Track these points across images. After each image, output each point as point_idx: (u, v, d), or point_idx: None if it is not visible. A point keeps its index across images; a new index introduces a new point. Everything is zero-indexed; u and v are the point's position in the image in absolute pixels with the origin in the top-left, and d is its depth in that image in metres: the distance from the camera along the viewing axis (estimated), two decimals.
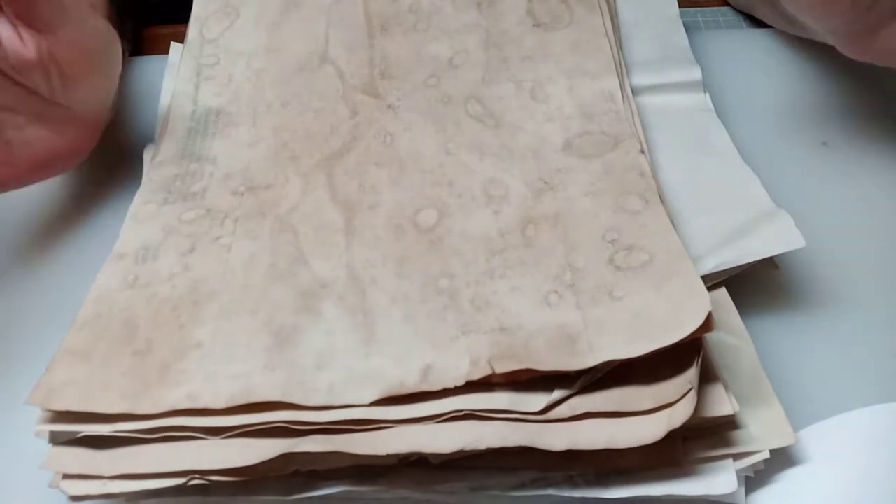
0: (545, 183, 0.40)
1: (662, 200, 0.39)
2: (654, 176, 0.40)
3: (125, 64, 0.56)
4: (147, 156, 0.47)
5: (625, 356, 0.32)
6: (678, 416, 0.32)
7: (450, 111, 0.45)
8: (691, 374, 0.33)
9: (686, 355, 0.33)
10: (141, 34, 0.61)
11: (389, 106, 0.46)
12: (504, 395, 0.33)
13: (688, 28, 0.58)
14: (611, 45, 0.47)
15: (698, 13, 0.62)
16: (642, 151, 0.41)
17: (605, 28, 0.48)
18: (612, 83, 0.45)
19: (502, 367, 0.33)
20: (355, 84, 0.47)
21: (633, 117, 0.44)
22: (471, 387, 0.33)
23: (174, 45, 0.54)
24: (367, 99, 0.46)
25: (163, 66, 0.53)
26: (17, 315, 0.44)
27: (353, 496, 0.35)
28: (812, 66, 0.56)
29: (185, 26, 0.53)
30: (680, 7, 0.56)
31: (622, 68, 0.48)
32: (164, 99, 0.51)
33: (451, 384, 0.33)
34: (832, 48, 0.47)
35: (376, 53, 0.49)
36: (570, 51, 0.47)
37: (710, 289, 0.41)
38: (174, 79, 0.51)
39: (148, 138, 0.49)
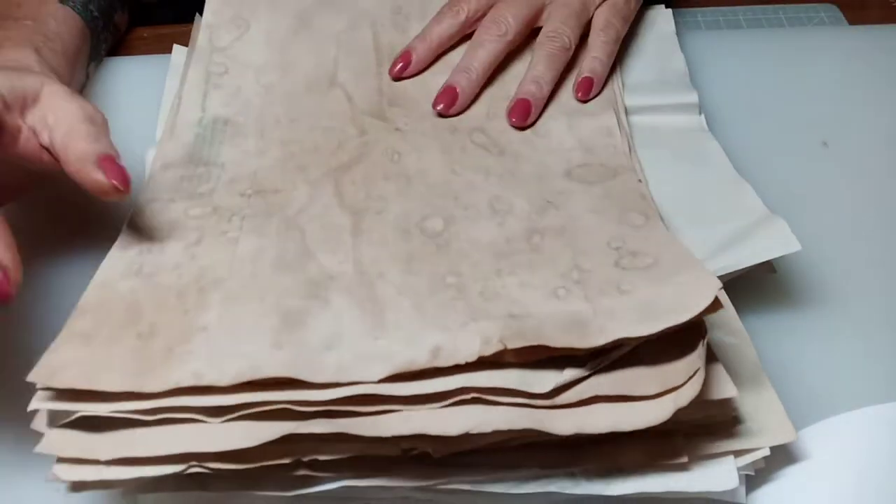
0: (548, 202, 0.41)
1: (662, 220, 0.39)
2: (653, 200, 0.41)
3: (102, 64, 0.57)
4: (150, 156, 0.47)
5: (635, 335, 0.32)
6: (684, 396, 0.32)
7: (456, 139, 0.46)
8: (698, 355, 0.33)
9: (691, 340, 0.33)
10: (130, 33, 0.61)
11: (397, 129, 0.46)
12: (513, 373, 0.33)
13: (688, 28, 0.58)
14: (609, 87, 0.49)
15: (698, 13, 0.62)
16: (640, 181, 0.42)
17: None
18: (610, 120, 0.46)
19: (514, 344, 0.33)
20: (364, 108, 0.48)
21: (629, 151, 0.45)
22: (481, 365, 0.33)
23: (177, 47, 0.54)
24: (376, 122, 0.47)
25: (163, 67, 0.53)
26: (17, 314, 0.44)
27: (353, 494, 0.35)
28: (812, 66, 0.56)
29: (186, 26, 0.54)
30: (680, 7, 0.56)
31: (621, 99, 0.48)
32: (167, 99, 0.51)
33: (462, 361, 0.32)
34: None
35: (384, 82, 0.49)
36: (570, 92, 0.48)
37: None
38: (177, 80, 0.51)
39: (148, 137, 0.49)
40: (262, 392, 0.32)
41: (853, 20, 0.61)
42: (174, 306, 0.36)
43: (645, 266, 0.36)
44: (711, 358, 0.35)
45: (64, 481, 0.33)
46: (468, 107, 0.48)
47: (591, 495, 0.35)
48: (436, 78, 0.49)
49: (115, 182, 0.36)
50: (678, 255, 0.36)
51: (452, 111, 0.47)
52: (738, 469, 0.35)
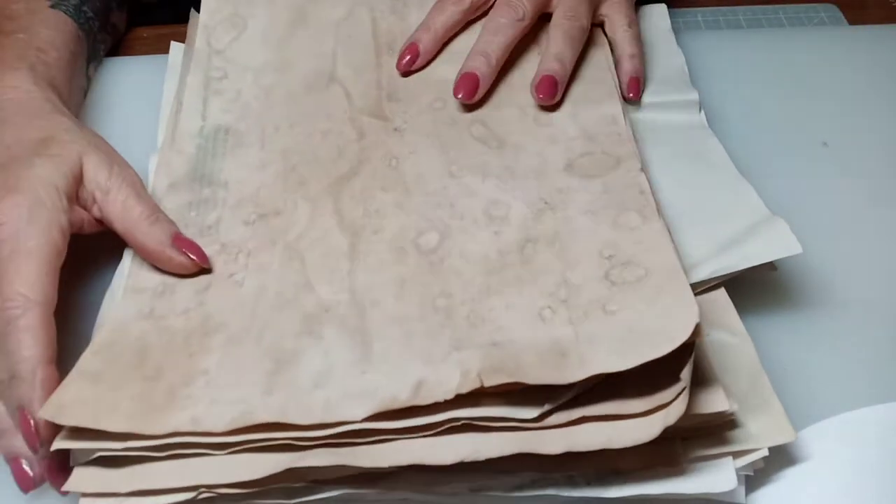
0: (546, 203, 0.41)
1: (661, 215, 0.39)
2: (654, 193, 0.40)
3: (102, 65, 0.57)
4: (152, 164, 0.47)
5: (614, 369, 0.32)
6: (673, 414, 0.32)
7: (454, 133, 0.45)
8: (684, 373, 0.33)
9: (679, 355, 0.33)
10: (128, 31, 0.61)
11: (396, 129, 0.46)
12: (499, 400, 0.33)
13: (688, 28, 0.58)
14: (613, 77, 0.48)
15: (698, 13, 0.62)
16: (642, 170, 0.42)
17: (608, 62, 0.49)
18: (614, 108, 0.46)
19: (491, 381, 0.33)
20: (362, 106, 0.47)
21: (631, 136, 0.44)
22: (462, 400, 0.33)
23: (174, 45, 0.54)
24: (374, 122, 0.46)
25: (163, 67, 0.53)
26: None
27: (353, 498, 0.35)
28: (812, 66, 0.56)
29: (185, 27, 0.53)
30: (680, 7, 0.56)
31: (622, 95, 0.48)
32: (166, 101, 0.51)
33: (441, 398, 0.33)
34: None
35: (383, 75, 0.49)
36: (575, 81, 0.48)
37: (709, 289, 0.41)
38: (175, 80, 0.50)
39: (149, 138, 0.49)
40: (258, 433, 0.33)
41: (853, 20, 0.61)
42: (180, 349, 0.37)
43: (635, 279, 0.36)
44: (707, 373, 0.35)
45: None
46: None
47: (589, 498, 0.35)
48: (435, 68, 0.49)
49: (195, 260, 0.40)
50: (668, 266, 0.36)
51: (474, 98, 0.46)
52: (737, 470, 0.35)
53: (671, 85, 0.51)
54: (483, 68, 0.46)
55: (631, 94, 0.48)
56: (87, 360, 0.36)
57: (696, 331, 0.33)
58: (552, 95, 0.45)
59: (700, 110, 0.50)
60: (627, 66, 0.49)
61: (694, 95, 0.50)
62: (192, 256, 0.40)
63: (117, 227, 0.40)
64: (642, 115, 0.49)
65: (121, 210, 0.40)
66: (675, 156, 0.47)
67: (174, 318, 0.38)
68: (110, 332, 0.38)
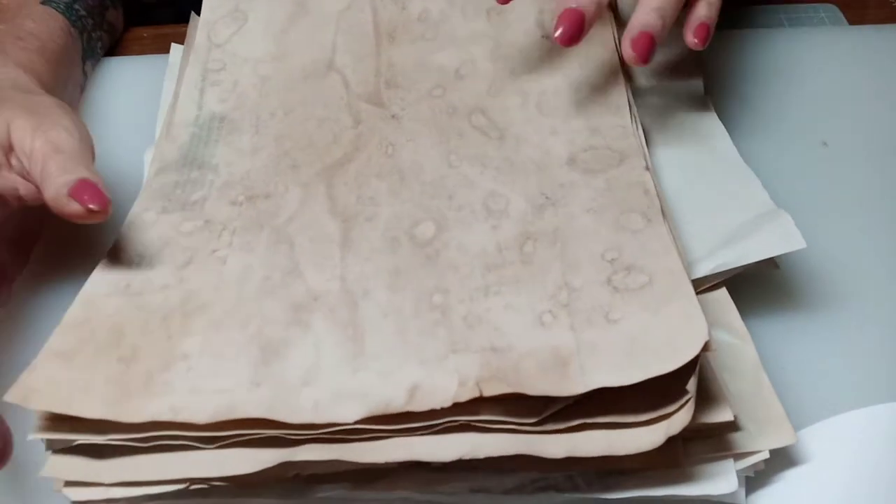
0: (546, 198, 0.40)
1: (665, 215, 0.38)
2: (659, 192, 0.40)
3: (101, 64, 0.57)
4: (147, 158, 0.47)
5: (617, 384, 0.32)
6: (676, 423, 0.32)
7: (454, 122, 0.44)
8: (690, 385, 0.32)
9: (684, 366, 0.32)
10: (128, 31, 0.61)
11: (393, 116, 0.45)
12: (497, 407, 0.33)
13: None
14: (620, 58, 0.47)
15: None
16: (647, 168, 0.41)
17: (614, 41, 0.48)
18: (620, 98, 0.45)
19: (490, 390, 0.32)
20: (360, 93, 0.47)
21: (637, 129, 0.43)
22: (458, 408, 0.32)
23: (174, 46, 0.54)
24: (371, 108, 0.46)
25: (162, 67, 0.53)
26: (9, 317, 0.44)
27: (353, 497, 0.35)
28: (812, 66, 0.56)
29: (185, 27, 0.53)
30: None
31: (628, 79, 0.47)
32: (165, 100, 0.51)
33: (437, 405, 0.32)
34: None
35: (382, 63, 0.48)
36: (580, 64, 0.47)
37: (710, 289, 0.41)
38: (175, 80, 0.50)
39: (148, 139, 0.49)
40: (245, 428, 0.32)
41: (853, 20, 0.61)
42: (158, 330, 0.35)
43: (638, 286, 0.35)
44: (711, 380, 0.35)
45: (74, 501, 0.34)
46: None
47: (590, 499, 0.35)
48: (434, 56, 0.48)
49: (90, 206, 0.36)
50: (673, 275, 0.35)
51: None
52: (738, 472, 0.35)
53: (675, 66, 0.50)
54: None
55: (696, 40, 0.41)
56: (57, 339, 0.35)
57: (706, 347, 0.32)
58: (646, 57, 0.40)
59: (705, 93, 0.49)
60: (703, 11, 0.41)
61: (698, 76, 0.49)
62: (91, 206, 0.35)
63: (42, 189, 0.37)
64: (647, 99, 0.48)
65: (39, 174, 0.37)
66: (680, 142, 0.46)
67: (151, 295, 0.37)
68: (82, 306, 0.36)
